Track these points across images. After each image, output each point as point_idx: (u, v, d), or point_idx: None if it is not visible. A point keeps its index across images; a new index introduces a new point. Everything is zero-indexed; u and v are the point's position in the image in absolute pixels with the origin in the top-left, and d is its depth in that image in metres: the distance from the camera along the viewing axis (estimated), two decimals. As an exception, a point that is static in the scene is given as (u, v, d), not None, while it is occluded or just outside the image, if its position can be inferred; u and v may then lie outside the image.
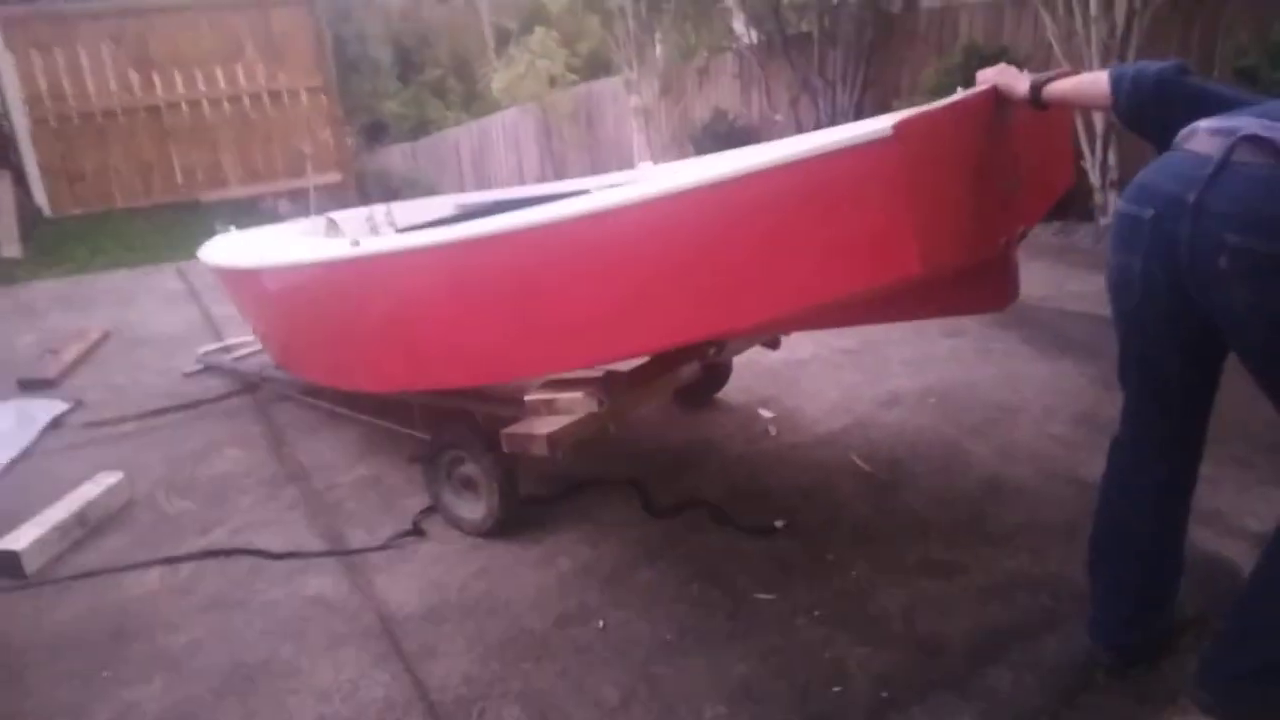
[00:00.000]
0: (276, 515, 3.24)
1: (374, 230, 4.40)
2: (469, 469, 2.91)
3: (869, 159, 1.75)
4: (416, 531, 3.00)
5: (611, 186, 3.19)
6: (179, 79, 9.43)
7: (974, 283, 2.32)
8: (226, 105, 9.74)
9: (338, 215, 4.47)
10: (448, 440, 2.94)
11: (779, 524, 2.84)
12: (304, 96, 10.05)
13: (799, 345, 4.47)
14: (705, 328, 2.20)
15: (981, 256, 2.12)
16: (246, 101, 9.86)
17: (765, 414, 3.74)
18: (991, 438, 3.34)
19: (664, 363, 2.78)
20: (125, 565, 2.96)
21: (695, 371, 2.99)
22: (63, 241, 8.54)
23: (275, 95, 9.94)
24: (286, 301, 3.51)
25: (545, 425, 2.49)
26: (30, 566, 2.93)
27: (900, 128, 1.69)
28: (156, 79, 9.36)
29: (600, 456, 3.35)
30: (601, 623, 2.45)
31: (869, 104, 8.21)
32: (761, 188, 1.89)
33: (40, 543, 2.98)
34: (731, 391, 3.95)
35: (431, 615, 2.56)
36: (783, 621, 2.38)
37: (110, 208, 9.48)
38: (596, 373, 2.65)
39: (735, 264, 2.00)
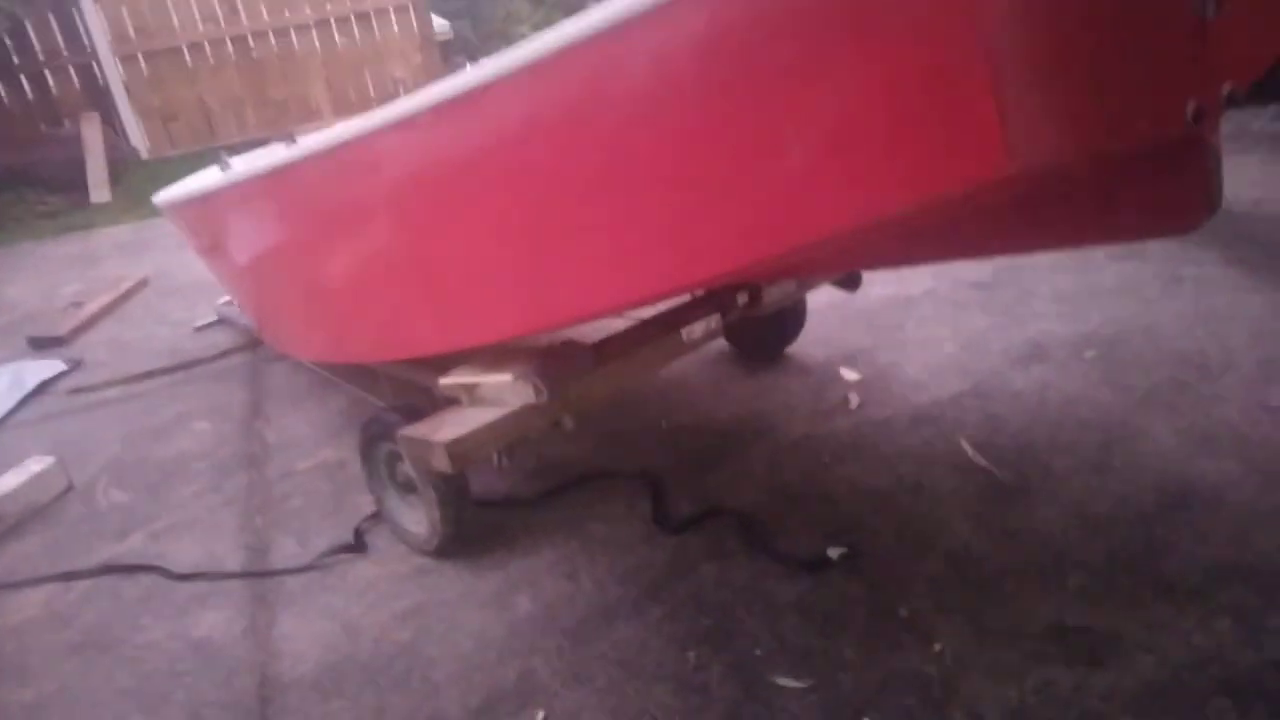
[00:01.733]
0: (210, 513, 2.60)
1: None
2: (408, 468, 2.14)
3: None
4: (356, 546, 2.28)
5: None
6: (264, 8, 8.97)
7: (1142, 184, 1.28)
8: (314, 33, 9.24)
9: (305, 137, 3.74)
10: (374, 429, 2.17)
11: (834, 553, 1.93)
12: (393, 17, 9.41)
13: (912, 275, 3.42)
14: (667, 271, 1.31)
15: (1150, 136, 1.10)
16: (334, 26, 9.31)
17: (848, 375, 2.77)
18: (1178, 412, 2.27)
19: (652, 324, 1.89)
20: (16, 581, 2.41)
21: (715, 329, 2.07)
22: (155, 184, 8.31)
23: (363, 18, 9.35)
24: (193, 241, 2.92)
25: (450, 427, 1.67)
26: (-82, 577, 2.43)
27: None
28: (241, 8, 8.93)
29: (613, 433, 2.55)
30: (542, 715, 1.65)
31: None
32: (713, 19, 0.98)
33: (-69, 549, 2.47)
34: (808, 343, 2.98)
35: (326, 680, 1.84)
36: (809, 734, 1.50)
37: (206, 146, 9.23)
38: (552, 341, 1.81)
39: (697, 157, 1.11)
